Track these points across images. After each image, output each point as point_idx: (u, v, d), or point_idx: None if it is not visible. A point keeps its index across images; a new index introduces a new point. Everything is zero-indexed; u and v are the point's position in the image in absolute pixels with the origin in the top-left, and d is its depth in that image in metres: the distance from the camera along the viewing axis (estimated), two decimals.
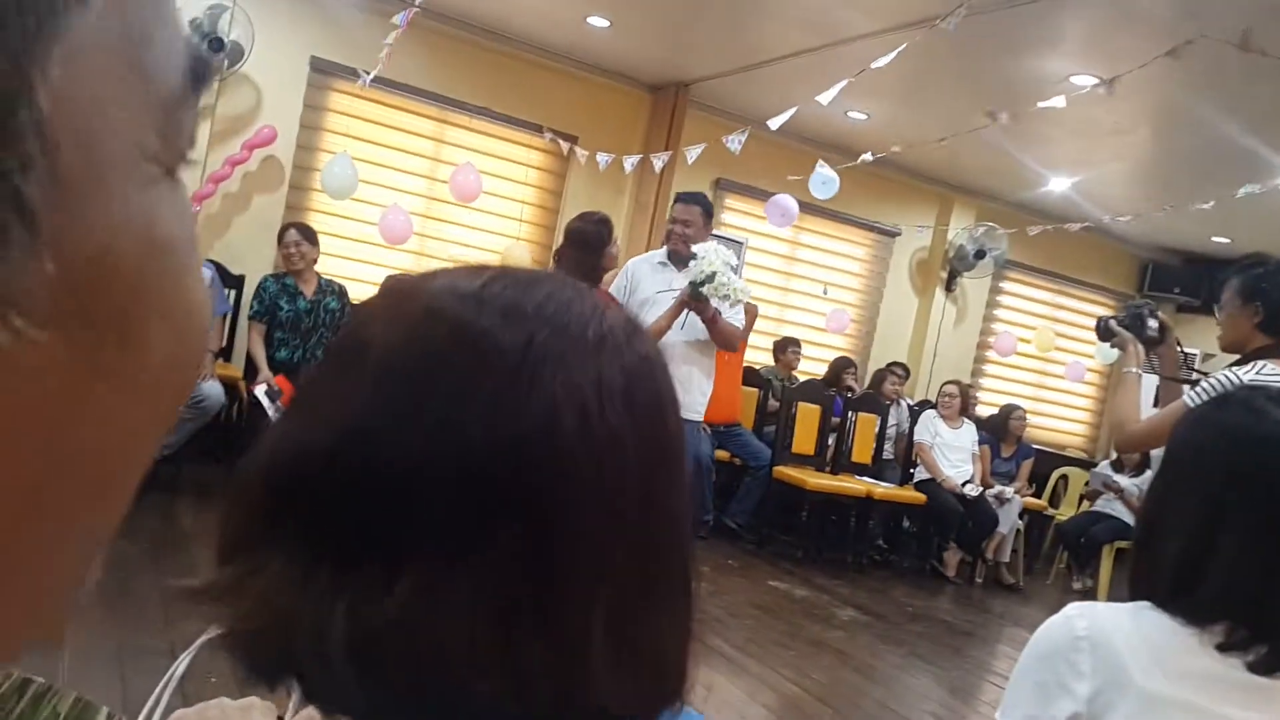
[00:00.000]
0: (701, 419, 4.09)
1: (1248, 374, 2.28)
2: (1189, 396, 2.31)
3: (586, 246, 3.69)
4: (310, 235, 4.75)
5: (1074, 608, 1.03)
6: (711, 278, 3.62)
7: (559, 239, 6.24)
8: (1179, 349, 2.69)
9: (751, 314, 5.90)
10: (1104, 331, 2.67)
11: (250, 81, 5.39)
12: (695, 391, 3.97)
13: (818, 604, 4.85)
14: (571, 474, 0.43)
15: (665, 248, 4.09)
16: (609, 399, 0.44)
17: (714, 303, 3.75)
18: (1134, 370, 2.52)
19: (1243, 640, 0.95)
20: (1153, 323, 2.60)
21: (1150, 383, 2.71)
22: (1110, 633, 0.99)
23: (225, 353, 5.07)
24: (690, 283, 3.68)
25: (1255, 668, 0.94)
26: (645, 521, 0.46)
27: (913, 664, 4.18)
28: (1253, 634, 0.95)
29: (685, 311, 3.75)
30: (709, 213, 4.11)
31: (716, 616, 4.24)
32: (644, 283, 3.95)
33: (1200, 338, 8.56)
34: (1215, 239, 7.71)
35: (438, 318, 0.44)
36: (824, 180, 5.46)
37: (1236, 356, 2.41)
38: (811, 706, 3.42)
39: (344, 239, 5.50)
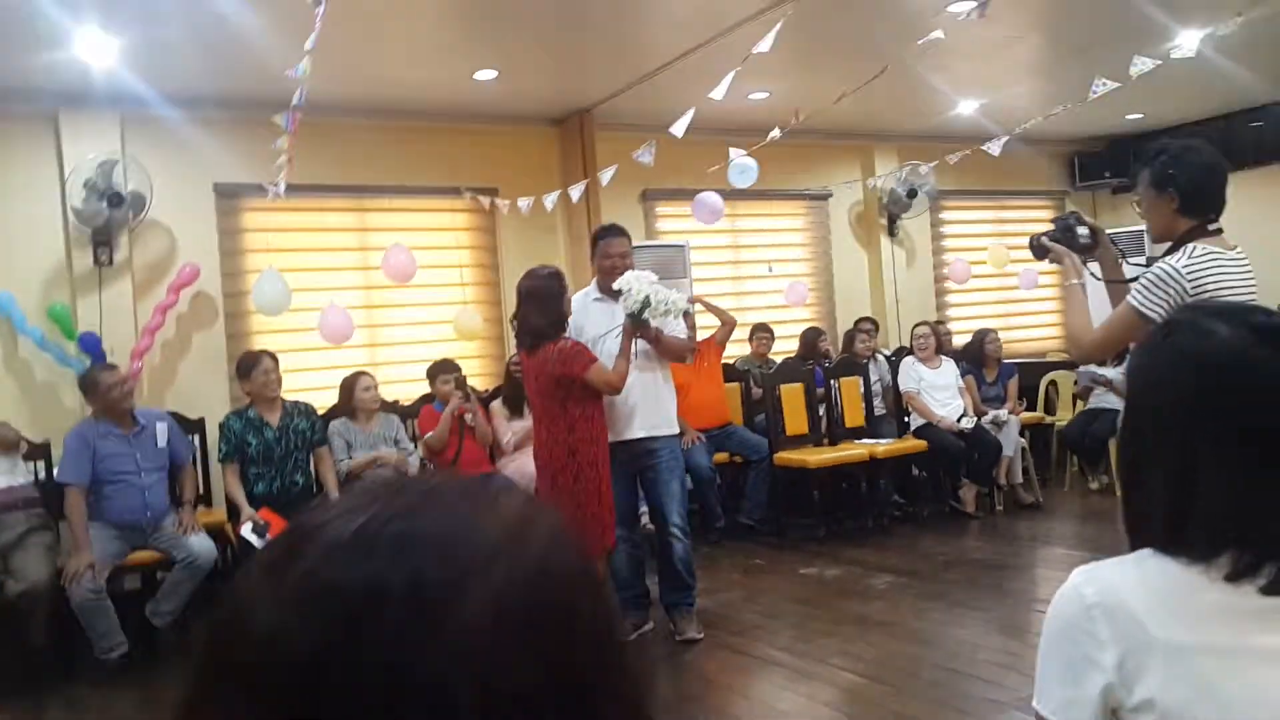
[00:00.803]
0: (676, 431, 4.12)
1: (1181, 260, 2.30)
2: (1133, 294, 2.32)
3: (545, 301, 3.74)
4: (276, 360, 4.75)
5: (1077, 575, 1.00)
6: (647, 302, 3.72)
7: (504, 294, 6.27)
8: (1115, 248, 2.70)
9: (728, 326, 5.94)
10: (1038, 250, 2.69)
11: (160, 225, 5.32)
12: (667, 405, 4.04)
13: (851, 579, 4.85)
14: None
15: (595, 282, 4.12)
16: (505, 636, 0.41)
17: (655, 322, 3.84)
18: (1075, 282, 2.54)
19: (1249, 565, 0.93)
20: (1082, 230, 2.62)
21: (1100, 288, 2.73)
22: (1120, 593, 0.96)
23: (205, 498, 4.99)
24: (628, 315, 3.77)
25: (1270, 589, 0.92)
26: None
27: (958, 615, 4.19)
28: (1258, 556, 0.93)
29: (635, 342, 3.85)
30: (630, 240, 4.19)
31: (756, 623, 4.24)
32: (588, 322, 3.98)
33: None
34: (1130, 117, 7.82)
35: (315, 589, 0.42)
36: (741, 169, 5.48)
37: (1168, 245, 2.43)
38: (872, 690, 3.41)
39: (293, 351, 5.43)
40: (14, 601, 3.92)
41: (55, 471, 4.34)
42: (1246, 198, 7.68)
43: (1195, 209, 2.41)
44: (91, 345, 4.97)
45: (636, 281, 3.74)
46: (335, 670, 0.40)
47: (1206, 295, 2.25)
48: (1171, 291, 2.25)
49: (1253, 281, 2.36)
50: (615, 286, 3.81)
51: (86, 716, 3.74)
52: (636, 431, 3.94)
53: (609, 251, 4.04)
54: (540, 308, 3.75)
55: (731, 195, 6.47)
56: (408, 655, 0.40)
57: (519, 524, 0.45)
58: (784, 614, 4.42)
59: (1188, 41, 5.19)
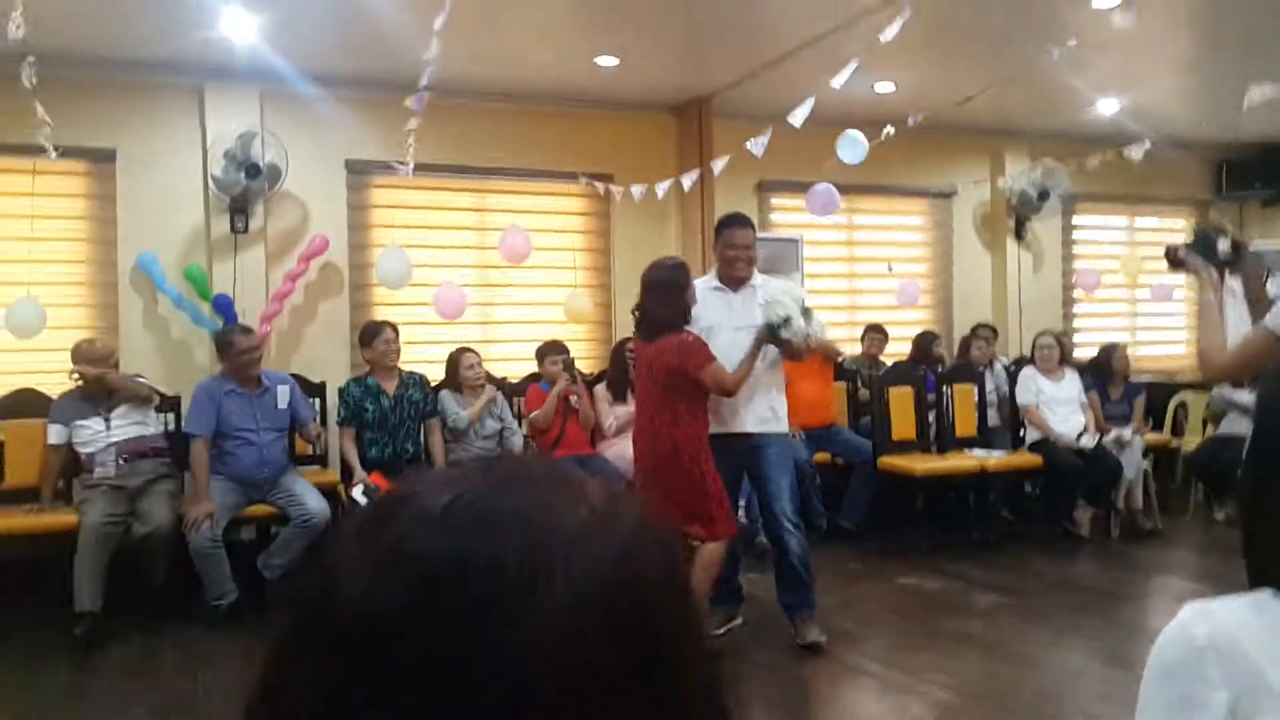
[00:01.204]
0: (786, 429, 4.04)
1: None
2: (1272, 316, 2.16)
3: (670, 292, 3.71)
4: (397, 331, 4.93)
5: (1188, 612, 0.95)
6: (787, 322, 3.69)
7: (614, 279, 6.31)
8: (1262, 265, 2.51)
9: (833, 356, 5.83)
10: (1174, 260, 2.55)
11: (293, 197, 5.56)
12: (778, 402, 3.96)
13: (953, 594, 4.70)
14: (552, 717, 0.41)
15: (714, 270, 4.05)
16: (584, 619, 0.42)
17: (785, 334, 3.78)
18: (1210, 298, 2.38)
19: None
20: (1223, 244, 2.46)
21: (1242, 307, 2.56)
22: (1235, 634, 0.90)
23: (321, 459, 5.22)
24: (766, 324, 3.74)
25: None
26: None
27: (1063, 640, 4.01)
28: None
29: (765, 346, 3.81)
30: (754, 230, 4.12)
31: (847, 631, 4.13)
32: (704, 311, 3.90)
33: None
34: None
35: (402, 557, 0.43)
36: (852, 142, 5.29)
37: None
38: (966, 710, 3.30)
39: (411, 324, 5.60)
40: (138, 543, 4.18)
41: (182, 423, 4.60)
42: None
43: None
44: (225, 307, 5.24)
45: (788, 302, 3.73)
46: (414, 638, 0.41)
47: None
48: None
49: None
50: (764, 300, 3.81)
51: (196, 658, 3.95)
52: (746, 426, 3.86)
53: (734, 242, 3.95)
54: (664, 298, 3.71)
55: (850, 190, 6.32)
56: (486, 629, 0.41)
57: (604, 511, 0.46)
58: (879, 623, 4.32)
59: None
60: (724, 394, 3.71)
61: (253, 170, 5.18)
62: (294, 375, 5.05)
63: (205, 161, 5.31)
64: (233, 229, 5.37)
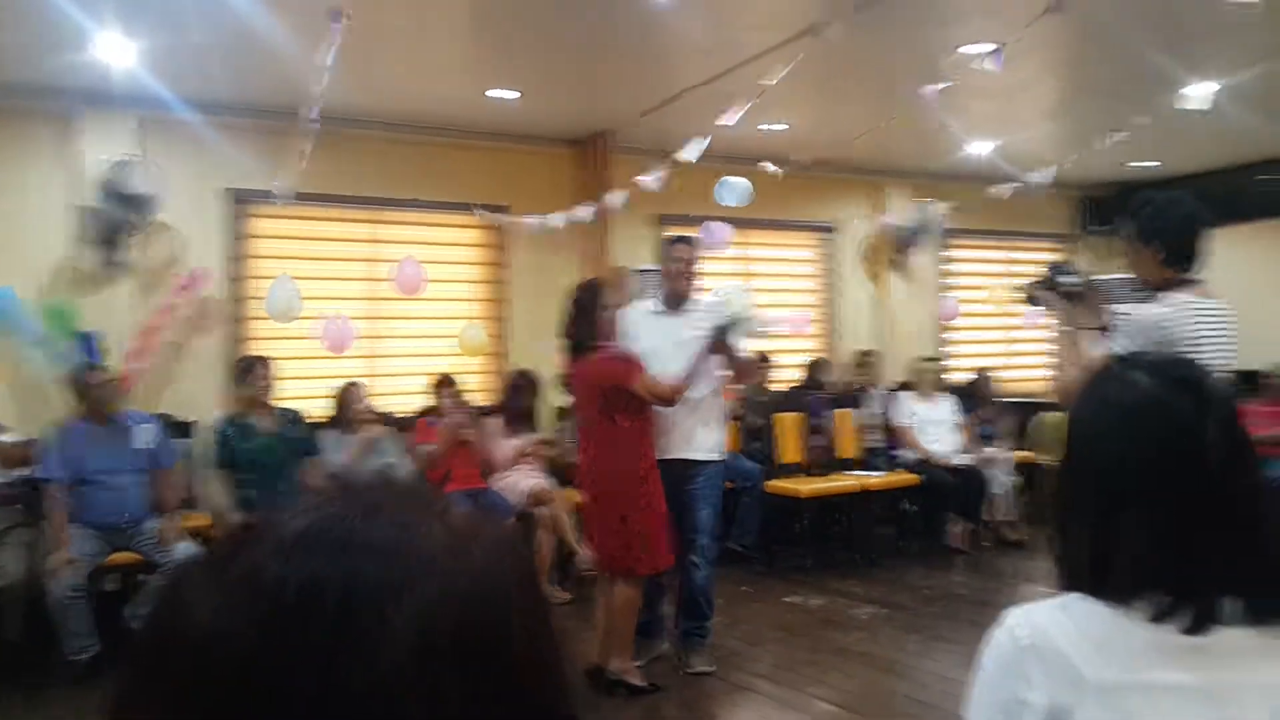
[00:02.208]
0: (721, 457, 4.03)
1: (1157, 310, 2.34)
2: (1110, 341, 2.36)
3: (582, 311, 3.71)
4: (271, 366, 4.77)
5: (1011, 616, 1.02)
6: (738, 315, 3.63)
7: (511, 311, 6.31)
8: (1105, 294, 2.72)
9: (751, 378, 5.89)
10: (1030, 299, 2.73)
11: (169, 228, 5.35)
12: (715, 428, 3.96)
13: (835, 609, 4.86)
14: None
15: (654, 294, 4.07)
16: (434, 642, 0.42)
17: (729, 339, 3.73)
18: (1065, 330, 2.57)
19: (1168, 607, 0.96)
20: (1068, 279, 2.63)
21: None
22: (1051, 634, 0.97)
23: (191, 503, 4.98)
24: (716, 327, 3.66)
25: (1190, 631, 0.95)
26: None
27: (935, 648, 4.19)
28: (1175, 599, 0.96)
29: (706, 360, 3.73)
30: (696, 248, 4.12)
31: (737, 649, 4.24)
32: (644, 333, 3.90)
33: None
34: (1143, 164, 7.84)
35: (254, 584, 0.42)
36: (730, 187, 5.51)
37: None
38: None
39: (294, 359, 5.45)
40: None
41: (40, 469, 4.31)
42: (1258, 250, 7.71)
43: (1178, 260, 2.45)
44: (88, 344, 4.96)
45: (734, 293, 3.66)
46: (264, 667, 0.40)
47: (1184, 344, 2.29)
48: (1148, 339, 2.29)
49: (1231, 332, 2.39)
50: (716, 292, 3.72)
51: (52, 714, 3.72)
52: (677, 452, 3.83)
53: (675, 255, 3.98)
54: (580, 317, 3.71)
55: (745, 224, 6.51)
56: (337, 658, 0.40)
57: (463, 535, 0.46)
58: (766, 641, 4.43)
59: (1202, 92, 5.19)
60: (661, 403, 3.64)
61: (127, 200, 5.00)
62: (162, 415, 4.84)
63: (76, 191, 5.10)
64: (104, 261, 5.14)
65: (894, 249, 7.71)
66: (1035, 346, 8.61)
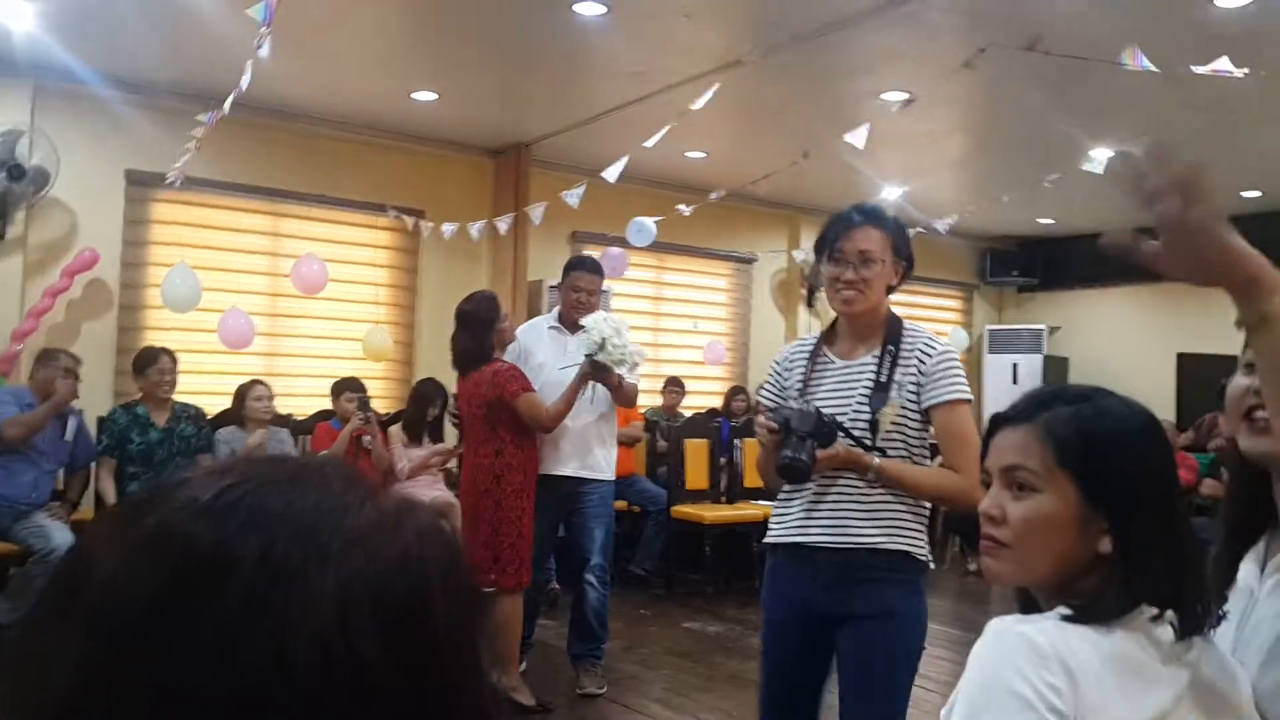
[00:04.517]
0: (611, 477, 3.99)
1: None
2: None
3: (476, 325, 3.65)
4: (175, 360, 4.58)
5: (1015, 622, 0.97)
6: (604, 345, 3.59)
7: (418, 318, 6.18)
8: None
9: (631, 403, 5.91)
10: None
11: (61, 205, 5.08)
12: (607, 448, 3.94)
13: (732, 636, 4.85)
14: (315, 708, 0.40)
15: (555, 311, 4.04)
16: (354, 615, 0.41)
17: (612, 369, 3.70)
18: (870, 474, 2.16)
19: (1155, 617, 0.98)
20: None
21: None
22: (1069, 650, 0.94)
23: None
24: (586, 356, 3.64)
25: (1180, 634, 0.98)
26: None
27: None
28: (1161, 609, 0.98)
29: (590, 385, 3.72)
30: (602, 277, 4.09)
31: (633, 674, 4.20)
32: (538, 347, 3.90)
33: (1041, 312, 9.14)
34: (1041, 220, 8.25)
35: (166, 539, 0.41)
36: (639, 229, 5.58)
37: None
38: None
39: (189, 351, 5.22)
40: None
41: None
42: (1140, 311, 8.17)
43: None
44: None
45: (603, 323, 3.63)
46: (172, 621, 0.39)
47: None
48: None
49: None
50: (582, 322, 3.71)
51: None
52: (568, 469, 3.80)
53: (577, 285, 3.93)
54: (469, 331, 3.66)
55: (658, 249, 6.55)
56: (246, 617, 0.39)
57: (391, 517, 0.45)
58: (662, 665, 4.39)
59: (1099, 155, 5.50)
60: (540, 427, 3.63)
61: (16, 171, 4.71)
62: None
63: None
64: None
65: (805, 284, 7.87)
66: None
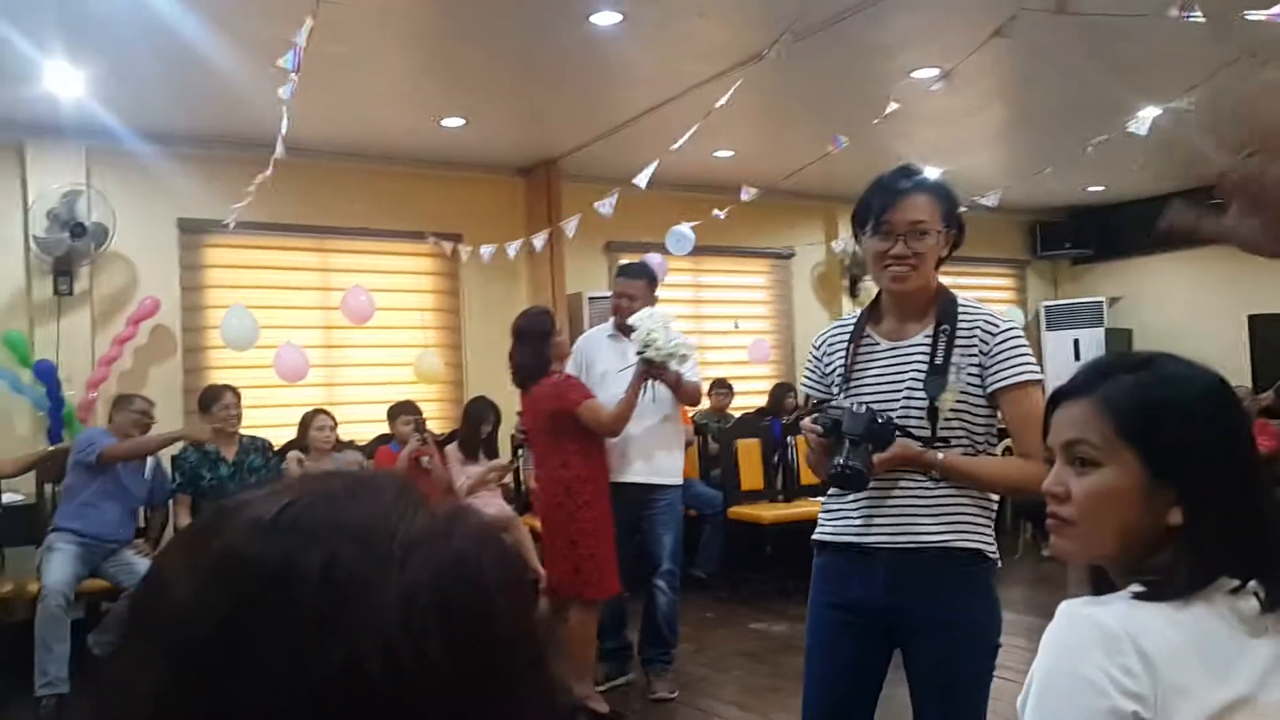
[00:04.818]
0: (679, 481, 4.01)
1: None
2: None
3: (533, 339, 3.70)
4: (238, 396, 4.77)
5: (1084, 605, 0.95)
6: (652, 341, 3.59)
7: (464, 339, 6.29)
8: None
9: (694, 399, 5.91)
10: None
11: (121, 257, 5.33)
12: (673, 452, 3.96)
13: (798, 636, 4.78)
14: (389, 714, 0.41)
15: (611, 320, 4.08)
16: (418, 621, 0.42)
17: (673, 365, 3.68)
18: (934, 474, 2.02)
19: (1237, 589, 0.95)
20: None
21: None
22: (1143, 631, 0.91)
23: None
24: (638, 355, 3.65)
25: (1267, 605, 0.95)
26: None
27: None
28: (1243, 580, 0.95)
29: (650, 384, 3.70)
30: (653, 281, 4.07)
31: (703, 676, 4.21)
32: (599, 357, 3.94)
33: (1099, 283, 8.89)
34: (1091, 189, 8.03)
35: (234, 560, 0.43)
36: (679, 238, 5.58)
37: None
38: None
39: (252, 388, 5.39)
40: None
41: (72, 458, 4.35)
42: (1205, 275, 7.90)
43: None
44: (47, 374, 4.93)
45: (650, 320, 3.64)
46: (245, 640, 0.41)
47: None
48: None
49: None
50: (630, 321, 3.73)
51: None
52: (635, 475, 3.81)
53: (619, 290, 4.01)
54: (529, 345, 3.71)
55: (696, 251, 6.56)
56: (318, 633, 0.41)
57: (444, 522, 0.47)
58: (731, 667, 4.39)
59: (1145, 116, 5.28)
60: (604, 431, 3.64)
61: (78, 230, 4.95)
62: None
63: (26, 221, 5.04)
64: (56, 291, 5.09)
65: (847, 275, 7.80)
66: None
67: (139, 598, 0.46)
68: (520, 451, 5.72)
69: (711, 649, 4.64)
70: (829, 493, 2.03)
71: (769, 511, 5.74)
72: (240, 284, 5.69)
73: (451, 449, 5.44)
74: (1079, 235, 8.73)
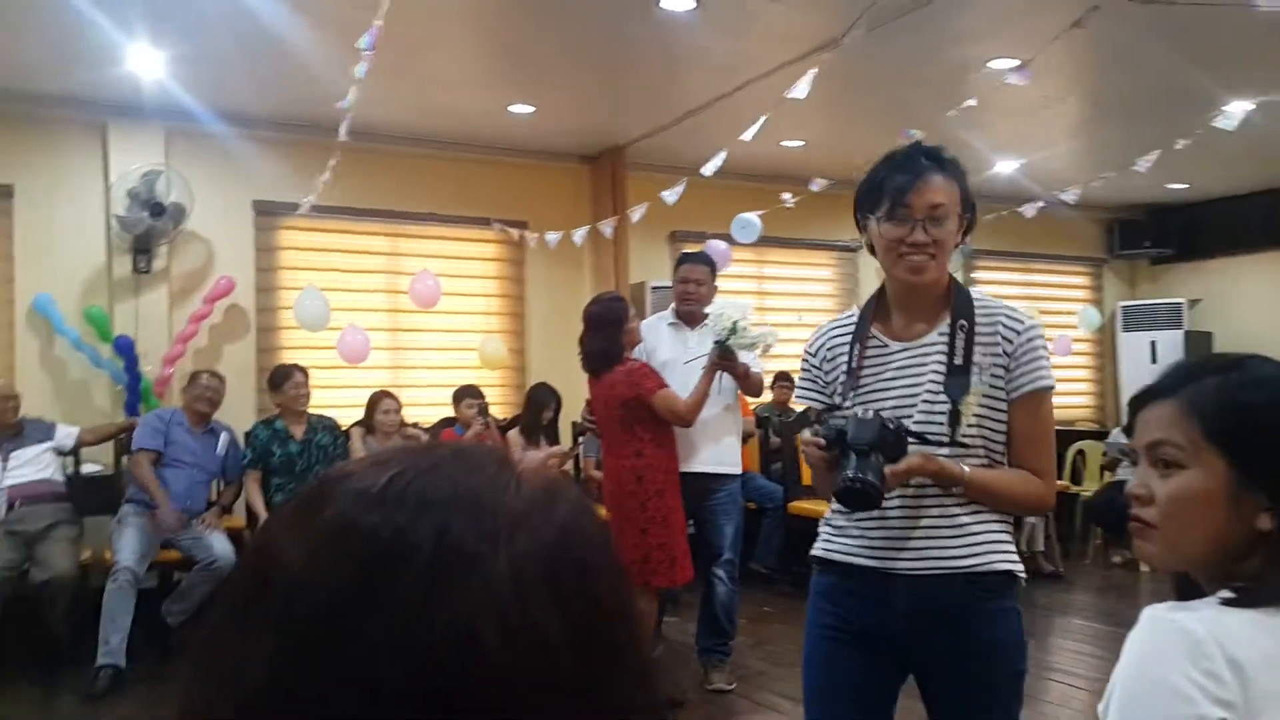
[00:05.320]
0: (739, 471, 4.00)
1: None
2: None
3: (607, 325, 3.69)
4: (307, 375, 4.89)
5: (1169, 609, 0.92)
6: (734, 329, 3.55)
7: (528, 325, 6.32)
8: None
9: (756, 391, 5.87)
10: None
11: (198, 237, 5.46)
12: (733, 443, 3.94)
13: None
14: (501, 684, 0.41)
15: (671, 308, 4.06)
16: (530, 591, 0.43)
17: (741, 355, 3.68)
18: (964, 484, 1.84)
19: None
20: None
21: None
22: (1232, 633, 0.89)
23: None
24: (715, 343, 3.62)
25: None
26: (592, 711, 0.44)
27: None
28: None
29: (718, 376, 3.68)
30: (714, 269, 4.08)
31: (761, 670, 4.17)
32: (661, 345, 3.92)
33: (1178, 284, 8.57)
34: (1172, 186, 7.75)
35: (344, 532, 0.43)
36: (743, 225, 5.52)
37: None
38: None
39: (320, 368, 5.49)
40: (36, 590, 4.03)
41: (133, 440, 4.59)
42: None
43: None
44: (126, 349, 5.08)
45: (729, 308, 3.62)
46: (357, 610, 0.41)
47: None
48: None
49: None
50: (707, 311, 3.72)
51: (97, 708, 3.77)
52: (698, 465, 3.79)
53: (685, 276, 3.98)
54: (602, 332, 3.69)
55: (760, 243, 6.49)
56: (431, 602, 0.41)
57: (545, 494, 0.47)
58: (792, 663, 4.31)
59: (1235, 111, 5.04)
60: (678, 421, 3.64)
61: (157, 209, 5.07)
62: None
63: (108, 200, 5.19)
64: (135, 269, 5.24)
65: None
66: (1067, 374, 8.51)
67: (247, 569, 0.46)
68: (580, 439, 5.73)
69: (770, 644, 4.59)
70: (833, 508, 1.80)
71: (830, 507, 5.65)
72: (312, 266, 5.79)
73: (513, 434, 5.47)
74: (1159, 234, 8.43)
